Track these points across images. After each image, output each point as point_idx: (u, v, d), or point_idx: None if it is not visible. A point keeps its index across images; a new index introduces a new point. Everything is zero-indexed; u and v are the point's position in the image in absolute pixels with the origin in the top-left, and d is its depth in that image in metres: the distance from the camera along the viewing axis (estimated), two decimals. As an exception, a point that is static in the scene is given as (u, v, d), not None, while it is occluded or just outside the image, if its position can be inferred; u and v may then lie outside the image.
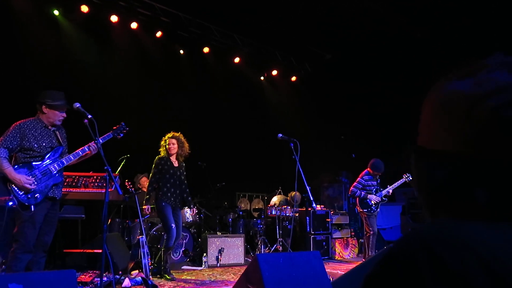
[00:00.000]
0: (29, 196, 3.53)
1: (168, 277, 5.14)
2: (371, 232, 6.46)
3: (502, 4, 6.76)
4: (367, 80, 9.68)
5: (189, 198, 5.55)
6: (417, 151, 0.61)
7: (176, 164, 5.46)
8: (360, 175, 6.70)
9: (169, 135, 5.50)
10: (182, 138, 5.52)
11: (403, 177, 6.64)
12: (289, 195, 8.18)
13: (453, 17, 7.47)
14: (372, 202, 6.48)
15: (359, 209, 6.63)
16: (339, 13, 7.97)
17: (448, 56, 8.10)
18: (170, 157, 5.44)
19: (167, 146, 5.44)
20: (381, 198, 6.58)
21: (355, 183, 6.67)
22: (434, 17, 7.67)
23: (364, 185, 6.59)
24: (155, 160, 5.44)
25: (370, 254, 6.33)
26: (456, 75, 0.59)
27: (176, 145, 5.43)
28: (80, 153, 3.82)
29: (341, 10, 7.84)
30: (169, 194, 5.29)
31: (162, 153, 5.47)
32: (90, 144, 3.84)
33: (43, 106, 3.75)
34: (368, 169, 6.66)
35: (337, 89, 10.11)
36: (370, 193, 6.54)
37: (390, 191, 6.70)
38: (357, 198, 6.58)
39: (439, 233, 0.48)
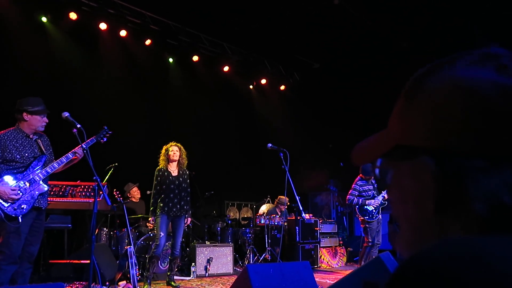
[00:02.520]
0: (15, 207, 3.46)
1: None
2: (370, 244, 6.18)
3: (494, 4, 6.86)
4: (355, 89, 9.80)
5: (186, 206, 5.46)
6: (440, 153, 0.46)
7: (175, 173, 5.46)
8: (354, 182, 6.50)
9: (171, 143, 5.53)
10: (182, 148, 5.58)
11: None
12: (276, 200, 8.18)
13: (445, 18, 7.55)
14: (372, 207, 6.25)
15: (359, 217, 6.35)
16: (327, 23, 8.08)
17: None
18: (170, 167, 5.43)
19: (169, 153, 5.43)
20: (380, 202, 6.33)
21: (350, 190, 6.44)
22: (423, 22, 7.78)
23: (360, 191, 6.38)
24: (155, 172, 5.45)
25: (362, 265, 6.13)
26: (465, 62, 0.49)
27: (178, 153, 5.46)
28: (64, 160, 3.74)
29: (329, 19, 7.94)
30: (170, 205, 5.27)
31: (161, 164, 5.46)
32: (75, 149, 3.76)
33: (24, 114, 3.67)
34: (360, 174, 6.51)
35: (325, 98, 10.21)
36: (368, 199, 6.32)
37: (386, 196, 6.33)
38: (356, 206, 6.33)
39: (456, 252, 0.39)
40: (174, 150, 5.45)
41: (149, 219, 5.41)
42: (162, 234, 5.17)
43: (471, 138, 0.44)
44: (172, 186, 5.35)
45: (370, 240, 6.18)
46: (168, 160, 5.44)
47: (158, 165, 5.49)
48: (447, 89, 0.47)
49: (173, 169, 5.46)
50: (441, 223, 0.47)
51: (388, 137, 0.54)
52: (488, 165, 0.44)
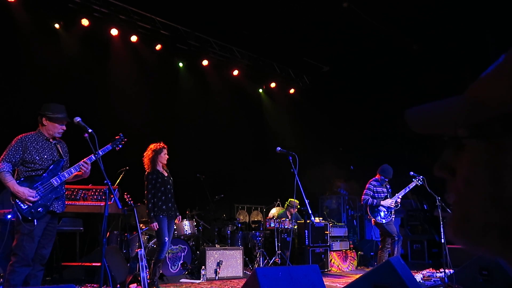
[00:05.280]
0: (32, 210, 3.54)
1: None
2: (396, 238, 6.18)
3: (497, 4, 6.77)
4: (365, 92, 9.76)
5: (175, 206, 5.38)
6: None
7: (166, 174, 5.34)
8: (368, 182, 6.45)
9: (161, 145, 5.31)
10: None
11: (413, 181, 6.22)
12: (286, 203, 8.16)
13: (456, 21, 7.47)
14: (384, 209, 6.22)
15: (372, 219, 6.31)
16: (336, 26, 8.07)
17: (444, 67, 8.18)
18: (159, 168, 5.29)
19: (163, 155, 5.28)
20: (394, 203, 6.31)
21: (365, 190, 6.37)
22: (433, 24, 7.73)
23: (374, 191, 6.34)
24: (146, 176, 5.20)
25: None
26: None
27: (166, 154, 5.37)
28: (73, 170, 3.80)
29: (338, 22, 7.94)
30: (169, 205, 5.21)
31: (152, 166, 5.23)
32: (81, 163, 3.79)
33: (43, 119, 3.80)
34: (377, 175, 6.44)
35: (335, 101, 10.19)
36: (382, 200, 6.30)
37: (399, 199, 6.38)
38: (368, 207, 6.29)
39: None
40: (165, 153, 5.31)
41: (151, 225, 5.08)
42: (166, 239, 5.10)
43: None
44: (169, 186, 5.27)
45: (394, 235, 6.22)
46: (158, 162, 5.24)
47: (148, 168, 5.22)
48: None
49: (163, 171, 5.32)
50: None
51: (483, 105, 0.44)
52: None
